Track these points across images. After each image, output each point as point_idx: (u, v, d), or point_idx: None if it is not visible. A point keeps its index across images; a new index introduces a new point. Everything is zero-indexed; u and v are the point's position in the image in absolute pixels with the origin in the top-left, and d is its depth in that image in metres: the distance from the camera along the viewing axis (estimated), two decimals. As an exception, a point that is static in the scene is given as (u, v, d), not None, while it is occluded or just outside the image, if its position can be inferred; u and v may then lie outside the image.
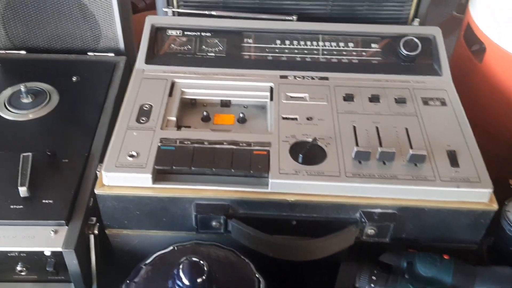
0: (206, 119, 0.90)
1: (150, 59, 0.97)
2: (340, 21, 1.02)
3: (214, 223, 0.78)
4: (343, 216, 0.78)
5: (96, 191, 0.78)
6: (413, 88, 0.93)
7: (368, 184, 0.76)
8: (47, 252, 0.78)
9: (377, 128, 0.84)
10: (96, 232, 0.82)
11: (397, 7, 1.05)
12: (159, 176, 0.78)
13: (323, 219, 0.78)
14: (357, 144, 0.81)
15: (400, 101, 0.89)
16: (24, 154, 0.84)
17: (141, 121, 0.85)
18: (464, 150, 0.81)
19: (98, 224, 0.82)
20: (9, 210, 0.79)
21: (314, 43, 1.00)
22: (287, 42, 1.00)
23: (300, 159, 0.78)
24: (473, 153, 0.81)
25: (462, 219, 0.78)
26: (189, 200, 0.78)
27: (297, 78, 0.95)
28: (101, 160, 0.89)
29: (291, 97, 0.91)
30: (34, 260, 0.80)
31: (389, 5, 1.05)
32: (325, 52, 0.99)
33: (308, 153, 0.79)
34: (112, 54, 1.12)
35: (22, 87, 0.97)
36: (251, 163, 0.78)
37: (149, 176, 0.77)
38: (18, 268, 0.80)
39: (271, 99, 0.91)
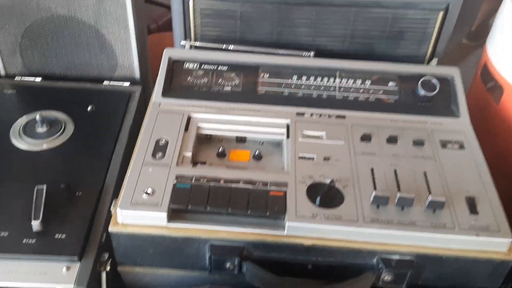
0: (222, 154, 0.90)
1: (167, 92, 0.97)
2: (357, 58, 1.02)
3: (228, 265, 0.77)
4: (360, 261, 0.77)
5: (111, 229, 0.77)
6: (431, 130, 0.92)
7: (386, 230, 0.75)
8: (59, 289, 0.77)
9: (395, 171, 0.84)
10: (108, 268, 0.81)
11: (415, 45, 1.05)
12: (173, 214, 0.77)
13: (339, 263, 0.77)
14: (375, 188, 0.80)
15: (418, 143, 0.89)
16: (38, 186, 0.84)
17: (157, 156, 0.84)
18: (483, 197, 0.80)
19: (110, 260, 0.81)
20: (21, 245, 0.78)
21: (331, 79, 1.00)
22: (304, 77, 1.00)
23: (317, 202, 0.77)
24: (492, 201, 0.80)
25: (480, 267, 0.77)
26: (204, 241, 0.77)
27: (314, 116, 0.94)
28: (114, 194, 0.89)
29: (308, 135, 0.90)
30: (45, 296, 0.79)
31: (407, 43, 1.05)
32: (341, 89, 0.99)
33: (326, 196, 0.78)
34: (128, 83, 1.12)
35: (37, 116, 0.97)
36: (267, 205, 0.77)
37: (164, 215, 0.76)
38: (29, 303, 0.79)
39: (288, 136, 0.91)
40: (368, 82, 0.99)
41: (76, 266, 0.78)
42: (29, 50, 1.10)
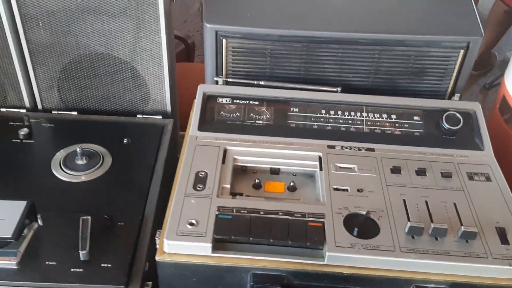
0: (258, 186, 0.93)
1: (202, 126, 1.01)
2: (381, 92, 1.07)
3: (269, 293, 0.80)
4: (397, 290, 0.80)
5: (157, 258, 0.80)
6: (457, 163, 0.96)
7: (422, 260, 0.78)
8: (106, 317, 0.80)
9: (426, 202, 0.87)
10: (152, 297, 0.84)
11: (436, 81, 1.10)
12: (216, 244, 0.81)
13: (377, 292, 0.80)
14: (408, 219, 0.84)
15: (446, 175, 0.93)
16: (83, 217, 0.87)
17: (198, 188, 0.88)
18: (513, 227, 0.84)
19: (153, 288, 0.84)
20: (69, 274, 0.82)
21: (358, 114, 1.04)
22: (332, 112, 1.04)
23: (355, 232, 0.81)
24: (521, 231, 0.83)
25: (512, 296, 0.80)
26: (246, 270, 0.80)
27: (344, 149, 0.98)
28: (154, 224, 0.92)
29: (340, 167, 0.94)
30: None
31: (429, 79, 1.10)
32: (368, 123, 1.03)
33: (362, 227, 0.81)
34: (160, 117, 1.16)
35: (78, 149, 1.01)
36: (307, 235, 0.81)
37: (209, 246, 0.79)
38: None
39: (321, 168, 0.94)
40: (393, 116, 1.04)
41: (122, 295, 0.81)
42: (66, 85, 1.15)
